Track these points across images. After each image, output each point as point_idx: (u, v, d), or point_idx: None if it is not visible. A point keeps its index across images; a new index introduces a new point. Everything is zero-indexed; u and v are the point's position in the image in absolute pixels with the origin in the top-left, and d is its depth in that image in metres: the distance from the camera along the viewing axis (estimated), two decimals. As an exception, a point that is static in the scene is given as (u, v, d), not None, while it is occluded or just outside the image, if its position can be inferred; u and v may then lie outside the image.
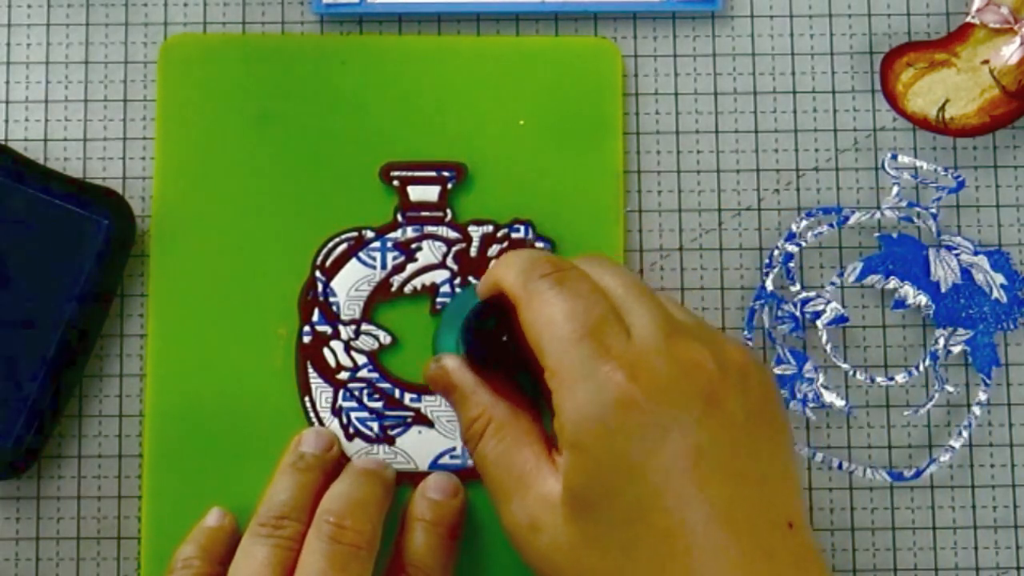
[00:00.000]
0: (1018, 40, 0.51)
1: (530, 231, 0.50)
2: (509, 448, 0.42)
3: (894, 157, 0.51)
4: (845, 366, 0.51)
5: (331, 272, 0.50)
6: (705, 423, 0.39)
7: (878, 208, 0.51)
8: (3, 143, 0.50)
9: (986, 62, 0.51)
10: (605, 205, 0.51)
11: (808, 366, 0.50)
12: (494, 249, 0.50)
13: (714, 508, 0.38)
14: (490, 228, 0.50)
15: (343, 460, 0.49)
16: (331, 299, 0.50)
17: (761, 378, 0.41)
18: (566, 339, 0.40)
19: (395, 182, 0.50)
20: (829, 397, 0.50)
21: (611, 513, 0.38)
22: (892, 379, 0.50)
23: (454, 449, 0.49)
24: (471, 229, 0.50)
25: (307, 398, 0.49)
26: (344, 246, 0.50)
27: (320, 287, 0.50)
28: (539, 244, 0.50)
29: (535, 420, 0.43)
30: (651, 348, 0.40)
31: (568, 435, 0.39)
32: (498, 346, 0.44)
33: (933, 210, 0.51)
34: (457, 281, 0.50)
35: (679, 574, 0.38)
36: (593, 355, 0.39)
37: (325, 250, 0.50)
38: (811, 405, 0.50)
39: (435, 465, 0.49)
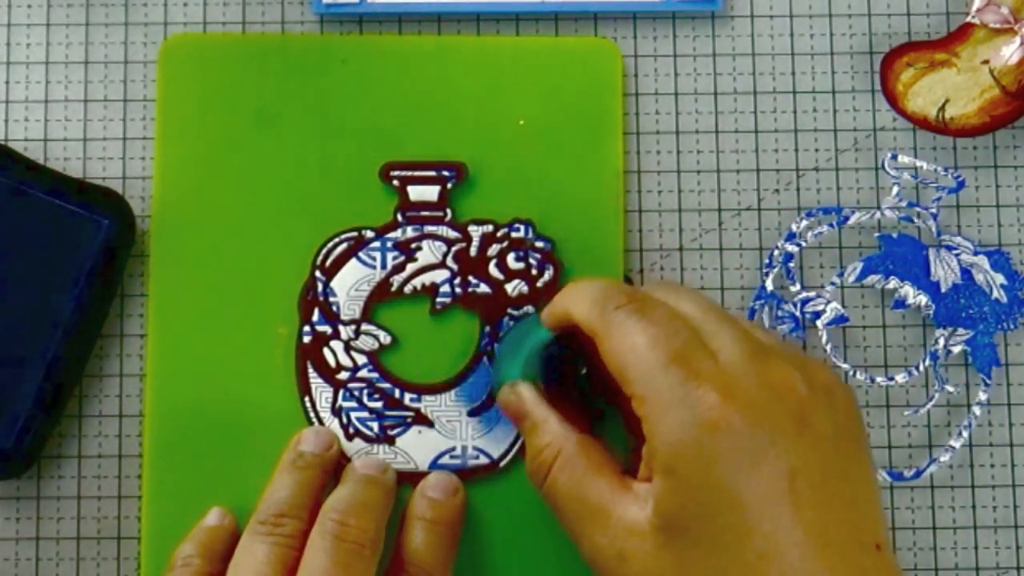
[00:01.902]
0: (1018, 40, 0.51)
1: (530, 231, 0.50)
2: (582, 478, 0.41)
3: (894, 157, 0.51)
4: (845, 366, 0.51)
5: (331, 272, 0.50)
6: (798, 445, 0.39)
7: (878, 208, 0.51)
8: (3, 143, 0.50)
9: (986, 62, 0.51)
10: (605, 205, 0.51)
11: (808, 366, 0.50)
12: (494, 249, 0.50)
13: (808, 532, 0.38)
14: (490, 228, 0.50)
15: (343, 460, 0.49)
16: (331, 299, 0.50)
17: (846, 397, 0.41)
18: (653, 365, 0.40)
19: (395, 182, 0.50)
20: (829, 397, 0.50)
21: (705, 539, 0.38)
22: (892, 379, 0.50)
23: (454, 449, 0.49)
24: (471, 229, 0.50)
25: (307, 398, 0.49)
26: (344, 246, 0.50)
27: (320, 287, 0.50)
28: (539, 243, 0.50)
29: (607, 450, 0.43)
30: (741, 370, 0.39)
31: (662, 460, 0.39)
32: (572, 378, 0.44)
33: (933, 210, 0.51)
34: (457, 281, 0.50)
35: None
36: (683, 379, 0.39)
37: (325, 250, 0.50)
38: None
39: (435, 465, 0.49)
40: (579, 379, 0.46)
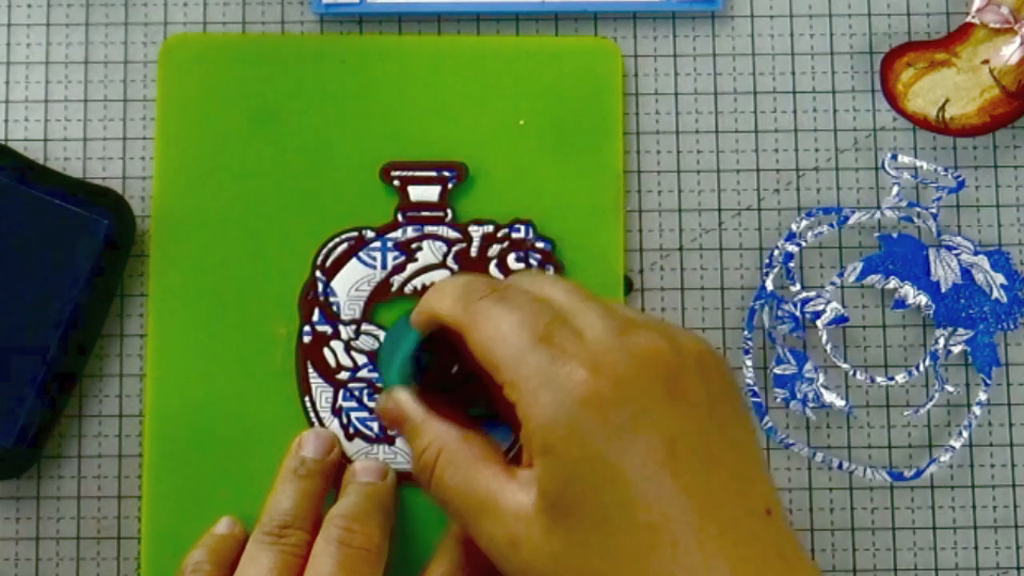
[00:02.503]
0: (1018, 40, 0.51)
1: (530, 231, 0.50)
2: (466, 472, 0.41)
3: (894, 157, 0.51)
4: (845, 366, 0.51)
5: (331, 272, 0.50)
6: (672, 412, 0.38)
7: (878, 208, 0.51)
8: (3, 143, 0.50)
9: (986, 62, 0.51)
10: (605, 205, 0.51)
11: (808, 366, 0.50)
12: (494, 249, 0.50)
13: (693, 498, 0.37)
14: (491, 228, 0.50)
15: (344, 462, 0.49)
16: (331, 299, 0.50)
17: (718, 365, 0.41)
18: (520, 349, 0.39)
19: (395, 182, 0.50)
20: (829, 397, 0.50)
21: (591, 514, 0.38)
22: (892, 379, 0.50)
23: None
24: (471, 229, 0.50)
25: (307, 398, 0.49)
26: (344, 246, 0.50)
27: (320, 287, 0.50)
28: (539, 244, 0.50)
29: (489, 442, 0.42)
30: (606, 343, 0.39)
31: (538, 442, 0.39)
32: (448, 377, 0.44)
33: (933, 210, 0.51)
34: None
35: (665, 568, 0.37)
36: (550, 359, 0.39)
37: (325, 250, 0.50)
38: (811, 405, 0.50)
39: (435, 465, 0.49)
40: (454, 378, 0.45)
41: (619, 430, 0.38)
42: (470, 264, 0.50)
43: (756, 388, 0.50)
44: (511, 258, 0.50)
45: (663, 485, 0.37)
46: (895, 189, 0.51)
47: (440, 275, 0.50)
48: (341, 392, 0.49)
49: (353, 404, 0.49)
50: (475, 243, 0.50)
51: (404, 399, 0.44)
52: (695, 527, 0.37)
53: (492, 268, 0.50)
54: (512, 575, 0.40)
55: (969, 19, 0.51)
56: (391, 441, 0.49)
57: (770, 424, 0.50)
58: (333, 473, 0.48)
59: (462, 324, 0.42)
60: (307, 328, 0.50)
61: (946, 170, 0.51)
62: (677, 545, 0.37)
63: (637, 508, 0.37)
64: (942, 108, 0.51)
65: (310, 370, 0.50)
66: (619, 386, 0.38)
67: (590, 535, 0.38)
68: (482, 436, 0.42)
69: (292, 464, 0.47)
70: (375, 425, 0.49)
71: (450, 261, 0.50)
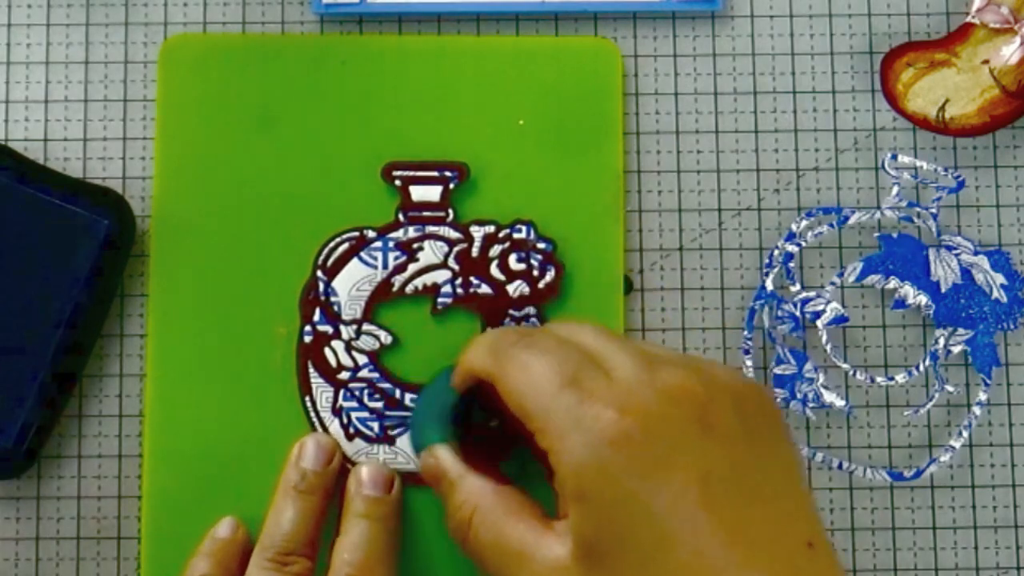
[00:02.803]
0: (1018, 40, 0.51)
1: (532, 231, 0.50)
2: (502, 527, 0.40)
3: (894, 157, 0.51)
4: (845, 366, 0.51)
5: (332, 272, 0.50)
6: (705, 447, 0.38)
7: (878, 208, 0.51)
8: (3, 143, 0.50)
9: (986, 62, 0.51)
10: (605, 205, 0.51)
11: (808, 366, 0.50)
12: (496, 249, 0.50)
13: (730, 533, 0.37)
14: (492, 228, 0.50)
15: (346, 467, 0.49)
16: (332, 299, 0.50)
17: (757, 398, 0.40)
18: (547, 394, 0.39)
19: (397, 182, 0.50)
20: (829, 397, 0.50)
21: (627, 558, 0.37)
22: (892, 379, 0.50)
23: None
24: (473, 229, 0.50)
25: (308, 398, 0.49)
26: (345, 246, 0.50)
27: (321, 287, 0.50)
28: (541, 245, 0.50)
29: (525, 496, 0.42)
30: (634, 382, 0.39)
31: (570, 488, 0.38)
32: (487, 432, 0.44)
33: (933, 210, 0.51)
34: (458, 281, 0.50)
35: None
36: (578, 401, 0.39)
37: (326, 250, 0.50)
38: (811, 405, 0.50)
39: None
40: (492, 432, 0.45)
41: (650, 469, 0.37)
42: (471, 264, 0.50)
43: (756, 388, 0.50)
44: (512, 259, 0.50)
45: (698, 522, 0.37)
46: (895, 189, 0.51)
47: (441, 275, 0.50)
48: (342, 392, 0.49)
49: (354, 404, 0.49)
50: (476, 243, 0.50)
51: (443, 456, 0.44)
52: (734, 563, 0.36)
53: (493, 269, 0.50)
54: None
55: (969, 19, 0.51)
56: (391, 441, 0.49)
57: (770, 424, 0.50)
58: (334, 485, 0.48)
59: (494, 375, 0.42)
60: (308, 328, 0.50)
61: (946, 170, 0.51)
62: None
63: (673, 547, 0.37)
64: (942, 108, 0.51)
65: (311, 370, 0.49)
66: (648, 424, 0.38)
67: None
68: (518, 490, 0.42)
69: (293, 478, 0.47)
70: (375, 425, 0.49)
71: (451, 261, 0.50)
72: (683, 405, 0.39)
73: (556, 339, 0.41)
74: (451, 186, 0.50)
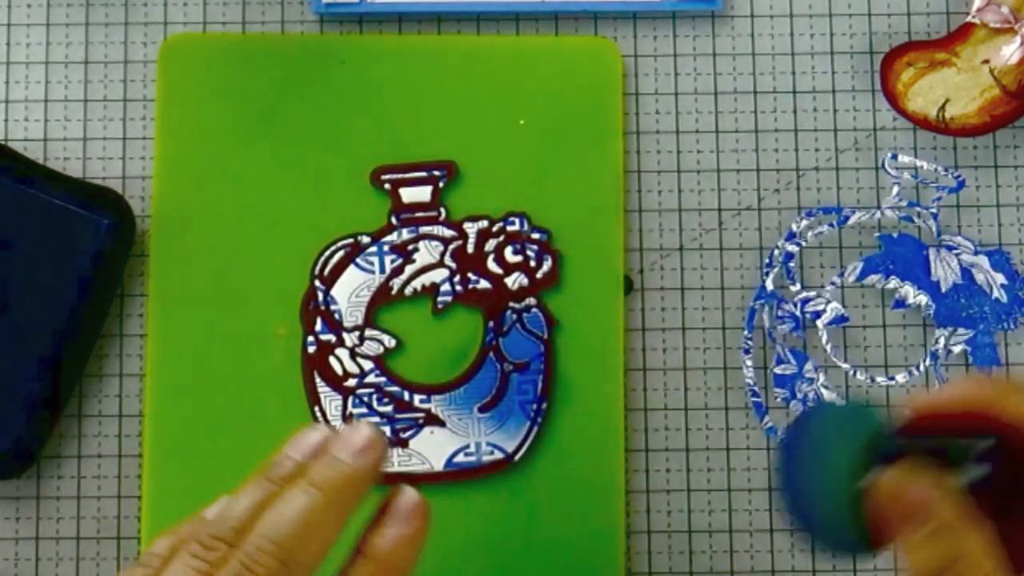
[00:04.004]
0: (1018, 40, 0.50)
1: (525, 223, 0.50)
2: None
3: (894, 157, 0.51)
4: (845, 366, 0.50)
5: (330, 280, 0.50)
6: None
7: (878, 208, 0.51)
8: (3, 143, 0.50)
9: (986, 62, 0.51)
10: (605, 205, 0.51)
11: (808, 366, 0.50)
12: (491, 244, 0.50)
13: None
14: (485, 223, 0.50)
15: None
16: (332, 307, 0.50)
17: None
18: None
19: (386, 185, 0.50)
20: (829, 397, 0.50)
21: None
22: (892, 379, 0.50)
23: (468, 446, 0.49)
24: (466, 226, 0.50)
25: (317, 407, 0.49)
26: (341, 253, 0.50)
27: (321, 296, 0.50)
28: (535, 235, 0.50)
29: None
30: None
31: None
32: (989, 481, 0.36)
33: (933, 210, 0.51)
34: (456, 279, 0.50)
35: None
36: None
37: (323, 258, 0.50)
38: (811, 405, 0.50)
39: (450, 464, 0.49)
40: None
41: None
42: (468, 261, 0.50)
43: (756, 388, 0.50)
44: (508, 251, 0.50)
45: None
46: (895, 189, 0.51)
47: (439, 274, 0.50)
48: (350, 399, 0.49)
49: (363, 410, 0.49)
50: (471, 239, 0.50)
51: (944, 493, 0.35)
52: None
53: (490, 263, 0.50)
54: None
55: (969, 19, 0.51)
56: (404, 444, 0.49)
57: (770, 424, 0.50)
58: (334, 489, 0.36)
59: None
60: (311, 338, 0.49)
61: (946, 170, 0.51)
62: None
63: None
64: (942, 108, 0.51)
65: (317, 380, 0.49)
66: None
67: None
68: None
69: (273, 466, 0.37)
70: (387, 429, 0.49)
71: (448, 259, 0.50)
72: None
73: None
74: (440, 185, 0.50)
